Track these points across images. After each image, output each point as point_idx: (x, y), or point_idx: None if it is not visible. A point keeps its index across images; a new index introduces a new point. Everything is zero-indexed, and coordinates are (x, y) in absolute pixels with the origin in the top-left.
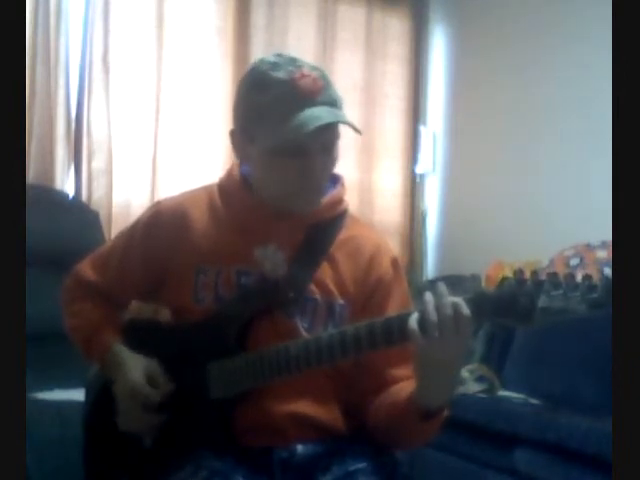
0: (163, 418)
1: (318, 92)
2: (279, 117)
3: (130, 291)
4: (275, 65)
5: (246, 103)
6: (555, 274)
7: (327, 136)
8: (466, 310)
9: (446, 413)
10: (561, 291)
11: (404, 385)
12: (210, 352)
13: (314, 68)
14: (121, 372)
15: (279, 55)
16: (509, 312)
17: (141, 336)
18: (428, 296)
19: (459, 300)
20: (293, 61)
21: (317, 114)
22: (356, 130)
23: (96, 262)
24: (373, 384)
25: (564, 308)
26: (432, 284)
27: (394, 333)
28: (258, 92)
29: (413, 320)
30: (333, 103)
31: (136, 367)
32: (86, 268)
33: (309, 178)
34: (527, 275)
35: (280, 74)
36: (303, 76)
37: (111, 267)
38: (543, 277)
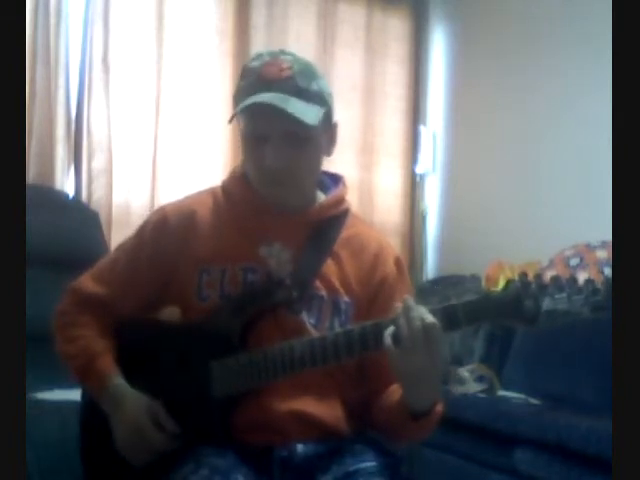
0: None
1: (279, 80)
2: (240, 100)
3: (134, 300)
4: (258, 57)
5: (234, 91)
6: (558, 277)
7: (283, 123)
8: (432, 320)
9: (439, 409)
10: (565, 294)
11: (397, 386)
12: (213, 349)
13: (297, 61)
14: (123, 410)
15: (276, 50)
16: (514, 314)
17: (144, 333)
18: (398, 309)
19: (425, 311)
20: (277, 54)
21: (259, 98)
22: (297, 120)
23: (99, 274)
24: (376, 384)
25: (567, 311)
26: (432, 284)
27: (372, 340)
28: (239, 80)
29: (387, 334)
30: (297, 92)
31: (139, 407)
32: (87, 282)
33: (265, 165)
34: (531, 277)
35: (255, 63)
36: (270, 64)
37: (117, 275)
38: (547, 280)
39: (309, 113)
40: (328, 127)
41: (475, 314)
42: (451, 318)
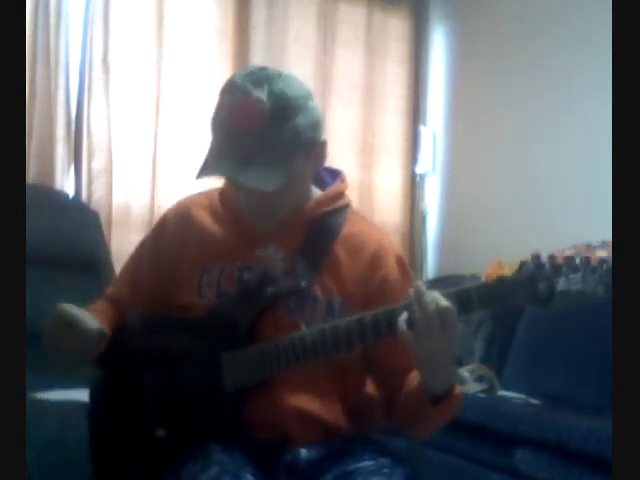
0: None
1: (243, 132)
2: (210, 145)
3: (139, 299)
4: (232, 87)
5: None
6: (572, 257)
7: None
8: (446, 303)
9: (458, 392)
10: (579, 274)
11: (416, 374)
12: (221, 343)
13: (273, 96)
14: (60, 308)
15: (255, 70)
16: (529, 296)
17: (152, 328)
18: (410, 294)
19: (438, 295)
20: (253, 85)
21: (215, 168)
22: (252, 187)
23: (119, 273)
24: (397, 379)
25: (582, 291)
26: (432, 284)
27: (384, 327)
28: (214, 109)
29: (402, 320)
30: (262, 146)
31: (76, 308)
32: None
33: (245, 205)
34: (544, 258)
35: (227, 99)
36: (240, 107)
37: (122, 277)
38: (560, 260)
39: (269, 179)
40: (312, 150)
41: (489, 297)
42: (465, 302)
